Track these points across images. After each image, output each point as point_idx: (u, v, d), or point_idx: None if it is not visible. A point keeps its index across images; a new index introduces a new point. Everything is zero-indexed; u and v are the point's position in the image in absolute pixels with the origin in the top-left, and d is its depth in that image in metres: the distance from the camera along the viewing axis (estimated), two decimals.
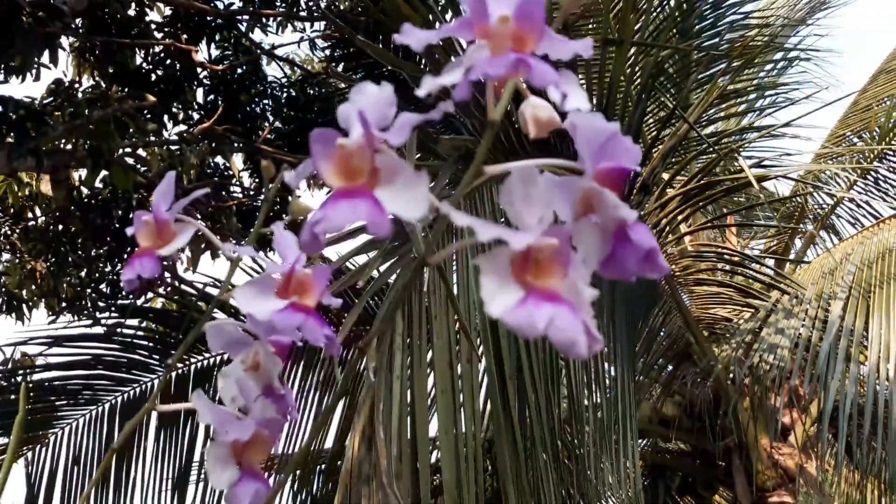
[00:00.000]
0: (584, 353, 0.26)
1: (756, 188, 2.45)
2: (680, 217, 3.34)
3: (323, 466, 4.02)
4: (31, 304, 4.42)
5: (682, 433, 4.42)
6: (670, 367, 4.33)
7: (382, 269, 1.42)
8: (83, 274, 4.51)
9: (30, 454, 3.45)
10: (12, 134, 2.41)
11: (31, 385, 3.62)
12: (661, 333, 3.92)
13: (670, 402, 4.41)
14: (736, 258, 3.24)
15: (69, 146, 2.69)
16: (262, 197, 4.45)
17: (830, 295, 2.76)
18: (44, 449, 3.52)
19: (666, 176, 3.31)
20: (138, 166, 3.35)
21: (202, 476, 3.70)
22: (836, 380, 2.55)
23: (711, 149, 2.63)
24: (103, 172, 3.50)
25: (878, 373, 2.40)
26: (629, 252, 0.29)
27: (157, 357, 3.63)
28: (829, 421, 3.85)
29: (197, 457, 3.67)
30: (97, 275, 4.53)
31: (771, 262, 3.39)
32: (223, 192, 3.69)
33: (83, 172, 3.76)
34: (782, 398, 4.13)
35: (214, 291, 3.75)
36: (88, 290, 4.55)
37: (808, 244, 3.87)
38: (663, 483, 4.77)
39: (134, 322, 3.64)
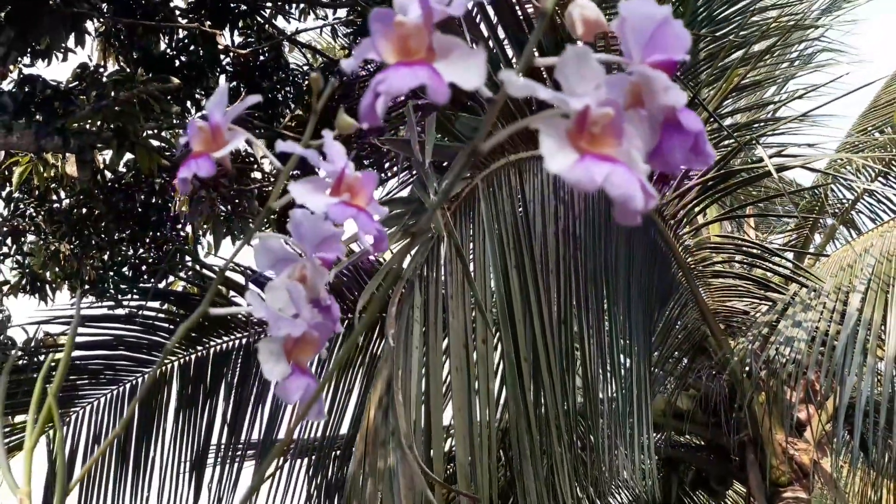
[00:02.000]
0: (641, 207, 0.27)
1: (775, 178, 2.44)
2: (697, 209, 3.34)
3: (338, 452, 4.07)
4: (54, 285, 4.49)
5: (696, 427, 4.42)
6: (685, 361, 4.33)
7: (396, 248, 1.44)
8: (106, 257, 4.57)
9: (51, 432, 3.52)
10: (39, 113, 2.45)
11: (53, 364, 3.69)
12: (677, 326, 3.91)
13: (685, 395, 4.40)
14: (755, 250, 3.23)
15: (95, 127, 2.74)
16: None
17: (849, 288, 2.74)
18: (65, 427, 3.59)
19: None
20: (162, 146, 3.40)
21: (219, 459, 3.75)
22: (853, 374, 2.54)
23: (732, 137, 2.63)
24: (127, 156, 3.56)
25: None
26: (677, 142, 0.30)
27: (180, 342, 3.69)
28: (845, 417, 3.83)
29: (214, 439, 3.72)
30: (119, 258, 4.59)
31: (789, 256, 3.37)
32: (245, 178, 3.73)
33: (108, 156, 3.82)
34: (798, 393, 4.11)
35: (235, 276, 3.80)
36: (111, 273, 4.61)
37: (828, 238, 3.84)
38: (676, 477, 4.77)
39: (155, 304, 3.70)
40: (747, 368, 3.60)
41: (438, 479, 1.20)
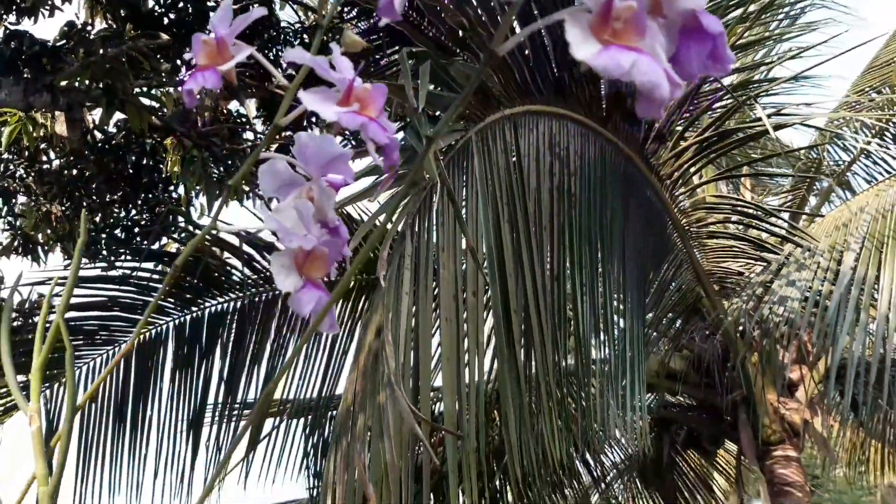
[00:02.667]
0: (667, 95, 0.27)
1: (773, 136, 2.42)
2: (693, 169, 3.32)
3: (334, 412, 4.10)
4: (46, 247, 4.47)
5: (688, 387, 4.45)
6: (678, 322, 4.35)
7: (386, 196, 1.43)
8: (98, 219, 4.55)
9: (48, 392, 3.54)
10: (27, 69, 2.41)
11: (47, 325, 3.68)
12: (671, 287, 3.92)
13: (678, 356, 4.43)
14: (750, 210, 3.22)
15: (83, 85, 2.70)
16: (274, 147, 4.45)
17: (843, 247, 2.74)
18: (61, 388, 3.61)
19: (679, 128, 3.28)
20: (153, 105, 3.36)
21: (216, 418, 3.78)
22: (846, 332, 2.55)
23: (730, 94, 2.60)
24: (118, 116, 3.51)
25: (888, 323, 2.40)
26: (695, 48, 0.30)
27: (172, 300, 3.68)
28: (837, 378, 3.87)
29: (211, 399, 3.75)
30: (112, 220, 4.57)
31: (785, 217, 3.36)
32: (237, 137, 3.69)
33: (97, 116, 3.77)
34: (791, 353, 4.14)
35: (229, 237, 3.78)
36: (103, 236, 4.59)
37: (823, 200, 3.84)
38: (669, 437, 4.83)
39: (149, 265, 3.69)
40: (741, 328, 3.62)
41: (425, 418, 1.21)
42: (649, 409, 5.00)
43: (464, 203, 1.64)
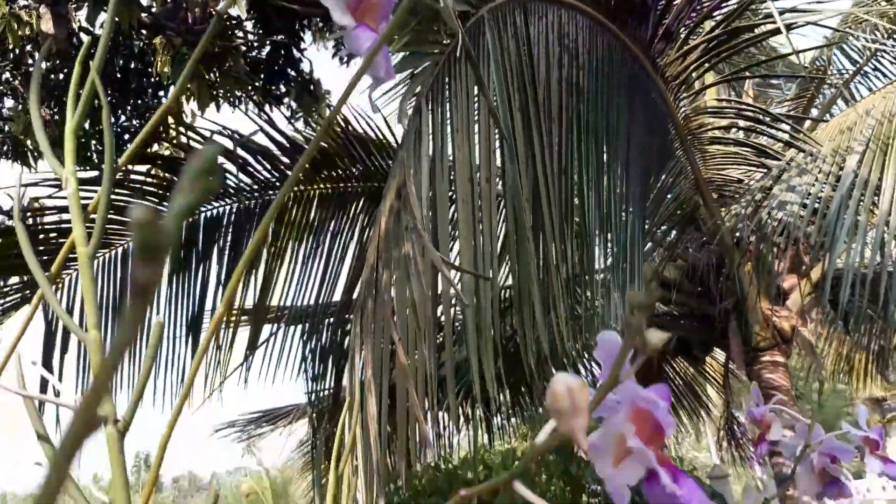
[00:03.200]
0: None
1: (784, 33, 2.36)
2: (698, 72, 3.26)
3: (331, 319, 4.15)
4: (35, 152, 4.39)
5: (681, 296, 4.52)
6: (674, 232, 4.37)
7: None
8: (87, 124, 4.45)
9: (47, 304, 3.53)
10: None
11: (41, 229, 3.66)
12: (669, 197, 3.92)
13: (672, 266, 4.47)
14: (753, 114, 3.18)
15: None
16: (267, 49, 4.32)
17: (847, 150, 2.73)
18: (59, 291, 3.61)
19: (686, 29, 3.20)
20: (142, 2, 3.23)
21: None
22: (843, 238, 2.57)
23: None
24: (104, 16, 3.37)
25: (888, 225, 2.42)
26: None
27: (166, 204, 3.64)
28: (830, 288, 3.93)
29: (209, 304, 3.76)
30: (100, 126, 4.47)
31: (789, 122, 3.33)
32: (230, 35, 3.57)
33: (83, 17, 3.63)
34: (785, 262, 4.20)
35: (221, 139, 3.71)
36: (93, 142, 4.51)
37: (827, 107, 3.79)
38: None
39: (142, 169, 3.62)
40: (737, 236, 3.64)
41: (448, 260, 1.22)
42: None
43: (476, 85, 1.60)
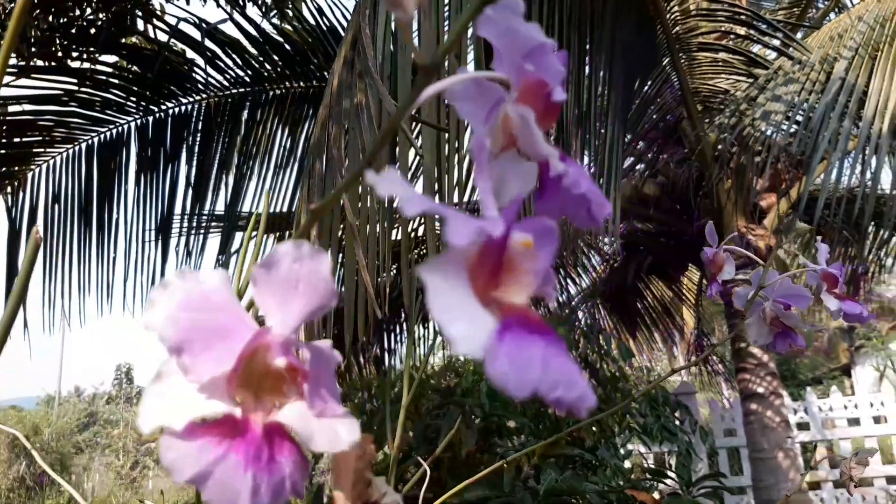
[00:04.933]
0: None
1: None
2: None
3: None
4: None
5: (660, 213, 4.49)
6: (656, 147, 4.30)
7: None
8: (51, 18, 4.24)
9: (9, 188, 3.43)
10: None
11: (2, 121, 3.51)
12: (651, 108, 3.83)
13: (651, 182, 4.43)
14: (747, 18, 3.06)
15: None
16: None
17: (836, 57, 2.64)
18: (21, 187, 3.49)
19: None
20: None
21: (184, 227, 3.72)
22: (826, 142, 2.51)
23: None
24: None
25: (871, 130, 2.36)
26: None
27: (133, 99, 3.50)
28: (805, 208, 3.91)
29: (178, 207, 3.67)
30: (65, 19, 4.26)
31: (781, 31, 3.22)
32: None
33: None
34: (765, 181, 4.16)
35: (189, 29, 3.54)
36: (57, 36, 4.30)
37: (823, 15, 3.68)
38: (635, 263, 4.93)
39: (108, 59, 3.46)
40: (719, 148, 3.58)
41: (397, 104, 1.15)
42: (621, 236, 5.07)
43: None
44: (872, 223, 4.72)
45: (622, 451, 2.69)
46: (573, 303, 5.54)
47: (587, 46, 2.24)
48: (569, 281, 5.19)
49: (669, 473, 1.89)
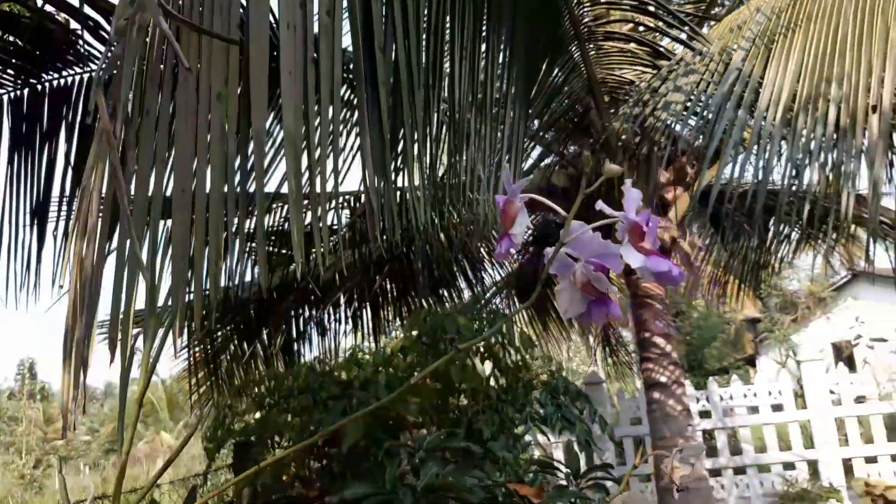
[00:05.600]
0: None
1: None
2: None
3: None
4: None
5: (569, 204, 4.48)
6: (565, 137, 4.29)
7: None
8: None
9: None
10: None
11: None
12: (561, 95, 3.80)
13: (563, 173, 4.41)
14: (655, 8, 3.05)
15: None
16: None
17: (734, 48, 2.65)
18: None
19: None
20: None
21: (63, 210, 3.45)
22: (721, 130, 2.52)
23: None
24: None
25: (765, 118, 2.37)
26: None
27: (10, 72, 3.21)
28: (706, 198, 3.97)
29: (57, 189, 3.39)
30: None
31: (687, 24, 3.22)
32: None
33: None
34: (670, 174, 4.20)
35: None
36: None
37: (731, 8, 3.73)
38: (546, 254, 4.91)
39: None
40: (623, 138, 3.58)
41: None
42: (533, 227, 5.05)
43: None
44: (772, 218, 4.87)
45: (521, 442, 2.64)
46: (487, 294, 5.50)
47: (484, 24, 2.15)
48: (483, 274, 5.15)
49: (557, 465, 1.84)
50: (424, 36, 1.75)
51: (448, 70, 1.98)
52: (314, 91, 1.45)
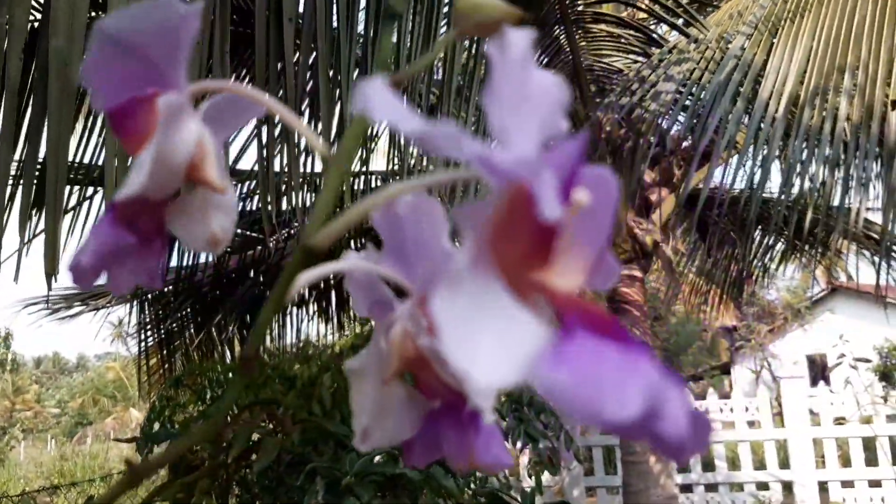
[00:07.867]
0: None
1: None
2: None
3: None
4: None
5: None
6: None
7: None
8: None
9: None
10: None
11: None
12: None
13: None
14: None
15: None
16: None
17: (734, 34, 2.39)
18: None
19: None
20: None
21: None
22: (715, 122, 2.25)
23: None
24: None
25: (765, 112, 2.11)
26: None
27: None
28: (693, 202, 3.72)
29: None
30: None
31: (684, 16, 2.96)
32: None
33: None
34: (656, 174, 3.95)
35: None
36: None
37: None
38: None
39: None
40: (608, 130, 3.32)
41: None
42: None
43: None
44: (758, 227, 4.64)
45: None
46: None
47: None
48: None
49: (506, 497, 1.58)
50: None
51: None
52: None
